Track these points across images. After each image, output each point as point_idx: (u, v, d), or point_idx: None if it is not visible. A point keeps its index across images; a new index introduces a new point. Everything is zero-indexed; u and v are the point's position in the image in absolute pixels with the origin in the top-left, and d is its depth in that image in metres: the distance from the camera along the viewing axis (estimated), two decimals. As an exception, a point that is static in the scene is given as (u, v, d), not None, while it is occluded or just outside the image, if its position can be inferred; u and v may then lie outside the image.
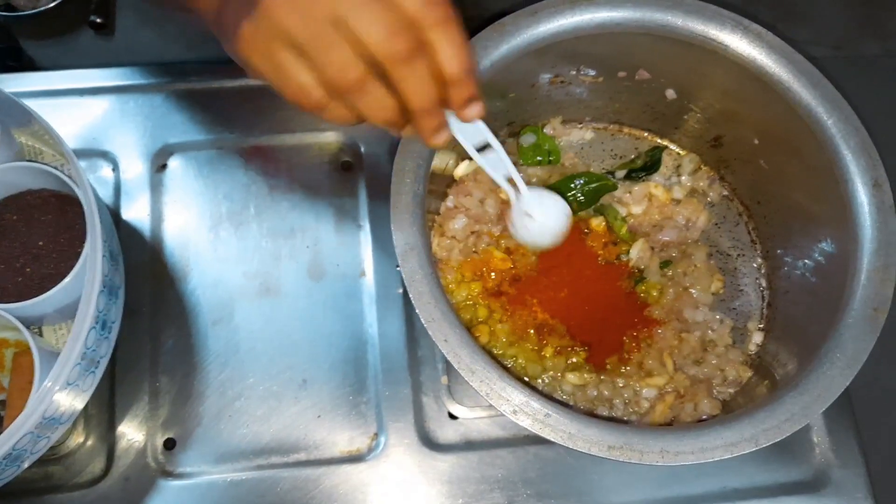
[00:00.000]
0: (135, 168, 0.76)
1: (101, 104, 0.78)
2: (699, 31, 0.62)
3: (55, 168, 0.62)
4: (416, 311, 0.53)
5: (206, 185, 0.76)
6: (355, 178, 0.77)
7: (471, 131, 0.52)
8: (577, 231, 0.70)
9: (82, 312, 0.58)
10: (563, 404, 0.59)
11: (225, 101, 0.78)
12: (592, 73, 0.68)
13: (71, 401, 0.61)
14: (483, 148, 0.54)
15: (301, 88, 0.44)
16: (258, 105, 0.78)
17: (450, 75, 0.44)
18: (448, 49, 0.43)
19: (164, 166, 0.76)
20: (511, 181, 0.57)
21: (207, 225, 0.74)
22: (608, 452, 0.50)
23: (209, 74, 0.79)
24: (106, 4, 0.94)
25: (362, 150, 0.77)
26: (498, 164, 0.55)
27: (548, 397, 0.54)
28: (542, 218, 0.60)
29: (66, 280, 0.59)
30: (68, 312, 0.65)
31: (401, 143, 0.57)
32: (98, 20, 0.92)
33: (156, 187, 0.75)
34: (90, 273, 0.59)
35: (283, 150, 0.77)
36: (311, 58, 0.42)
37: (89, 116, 0.78)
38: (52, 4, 0.94)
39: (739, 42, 0.62)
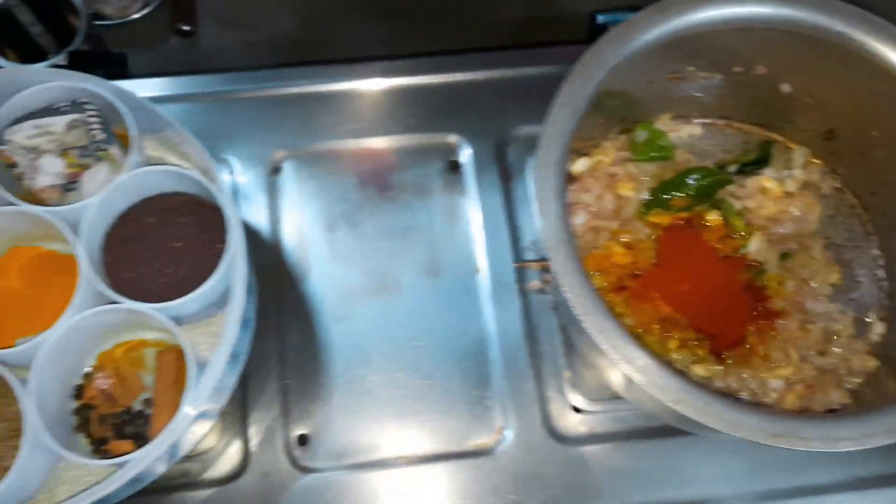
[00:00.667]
0: (250, 172, 0.77)
1: (213, 110, 0.80)
2: (825, 25, 0.63)
3: (194, 172, 0.64)
4: (570, 304, 0.54)
5: (320, 186, 0.77)
6: (464, 176, 0.78)
7: None
8: (695, 225, 0.71)
9: (232, 312, 0.60)
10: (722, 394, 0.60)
11: (333, 104, 0.80)
12: (710, 68, 0.69)
13: (217, 398, 0.62)
14: None
15: None
16: (365, 107, 0.80)
17: None
18: None
19: (278, 169, 0.78)
20: None
21: (324, 226, 0.76)
22: (772, 440, 0.51)
23: (317, 78, 0.80)
24: (191, 12, 0.96)
25: (470, 149, 0.79)
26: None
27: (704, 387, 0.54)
28: None
29: (214, 278, 0.61)
30: (205, 312, 0.66)
31: (541, 140, 0.58)
32: (185, 28, 0.94)
33: (271, 190, 0.77)
34: (236, 273, 0.61)
35: (393, 151, 0.79)
36: None
37: (201, 122, 0.79)
38: (139, 14, 0.96)
39: (864, 36, 0.63)
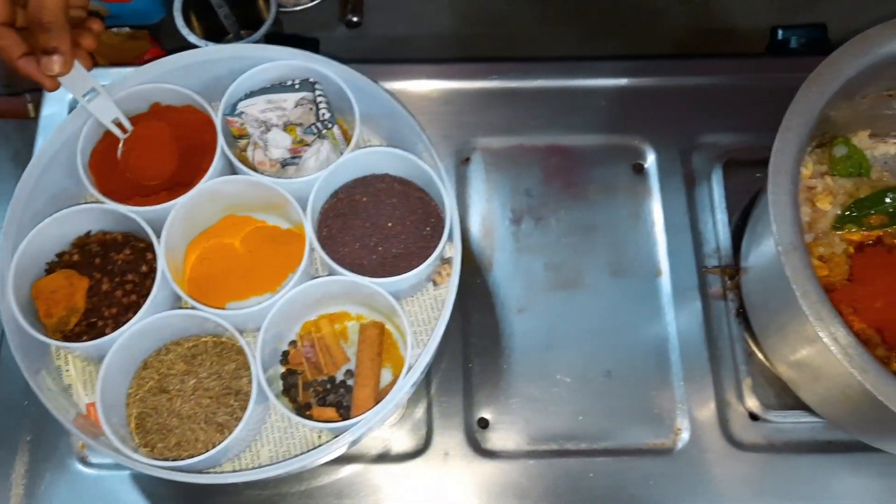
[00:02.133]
0: (442, 161, 0.79)
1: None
2: None
3: (419, 158, 0.66)
4: (804, 309, 0.55)
5: (508, 179, 0.79)
6: (647, 180, 0.79)
7: (79, 82, 0.60)
8: (888, 243, 0.71)
9: (451, 291, 0.62)
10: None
11: (523, 100, 0.81)
12: (926, 88, 0.69)
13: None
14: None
15: None
16: (556, 105, 0.81)
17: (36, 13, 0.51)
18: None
19: (467, 160, 0.80)
20: (119, 124, 0.65)
21: (509, 218, 0.78)
22: None
23: (509, 74, 0.82)
24: (359, 4, 0.99)
25: (654, 153, 0.79)
26: (105, 108, 0.64)
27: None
28: None
29: (432, 257, 0.63)
30: (411, 290, 0.68)
31: (775, 147, 0.59)
32: (353, 18, 0.97)
33: (461, 180, 0.79)
34: (455, 254, 0.63)
35: (579, 149, 0.80)
36: None
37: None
38: (311, 4, 0.99)
39: None
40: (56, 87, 0.58)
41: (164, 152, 0.68)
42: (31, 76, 0.56)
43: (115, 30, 0.91)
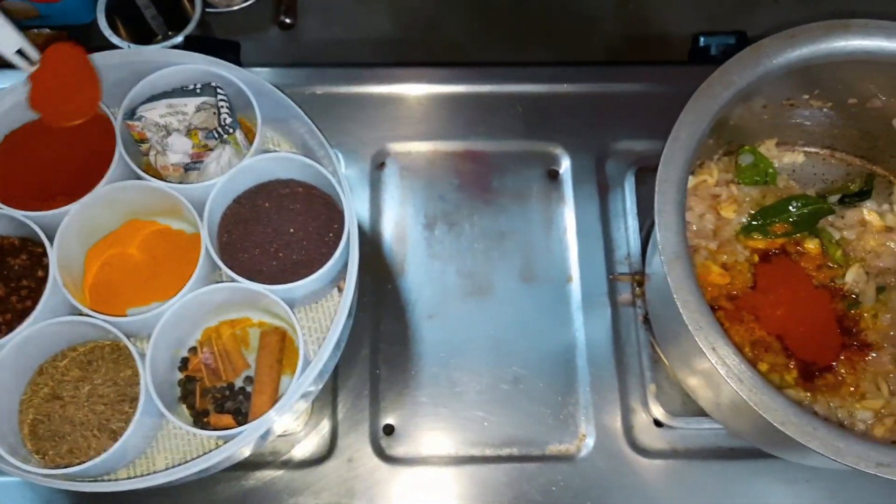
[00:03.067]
0: (356, 165, 0.79)
1: (323, 102, 0.82)
2: (952, 62, 0.63)
3: (317, 163, 0.66)
4: (684, 317, 0.55)
5: (422, 185, 0.79)
6: (562, 186, 0.79)
7: None
8: (792, 252, 0.71)
9: (346, 298, 0.62)
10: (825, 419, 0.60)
11: (440, 106, 0.81)
12: (824, 98, 0.69)
13: (318, 381, 0.64)
14: None
15: None
16: (473, 110, 0.81)
17: None
18: None
19: (382, 164, 0.80)
20: (24, 55, 0.59)
21: (423, 223, 0.78)
22: (876, 469, 0.52)
23: (427, 78, 0.82)
24: (293, 6, 0.99)
25: (569, 160, 0.80)
26: (5, 37, 0.57)
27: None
28: None
29: (329, 264, 0.63)
30: (312, 297, 0.68)
31: (664, 156, 0.60)
32: (286, 20, 0.97)
33: (375, 185, 0.79)
34: (350, 261, 0.63)
35: (495, 155, 0.80)
36: None
37: (311, 114, 0.81)
38: (244, 4, 0.99)
39: None
40: None
41: (82, 81, 0.62)
42: None
43: (35, 31, 0.90)
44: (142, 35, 0.92)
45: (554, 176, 0.80)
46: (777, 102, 0.69)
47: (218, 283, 0.64)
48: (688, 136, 0.59)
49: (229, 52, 0.89)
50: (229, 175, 0.65)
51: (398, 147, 0.80)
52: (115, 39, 0.86)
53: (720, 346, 0.54)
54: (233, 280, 0.63)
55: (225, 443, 0.60)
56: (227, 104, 0.67)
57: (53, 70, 0.61)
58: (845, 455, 0.52)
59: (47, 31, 0.90)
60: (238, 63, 0.91)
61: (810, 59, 0.63)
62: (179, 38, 0.85)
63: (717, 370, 0.54)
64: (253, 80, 0.67)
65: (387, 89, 0.82)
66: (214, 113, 0.67)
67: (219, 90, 0.68)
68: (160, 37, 0.94)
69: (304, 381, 0.60)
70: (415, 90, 0.82)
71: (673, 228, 0.57)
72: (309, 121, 0.66)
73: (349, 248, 0.64)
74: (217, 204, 0.66)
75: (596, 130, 0.81)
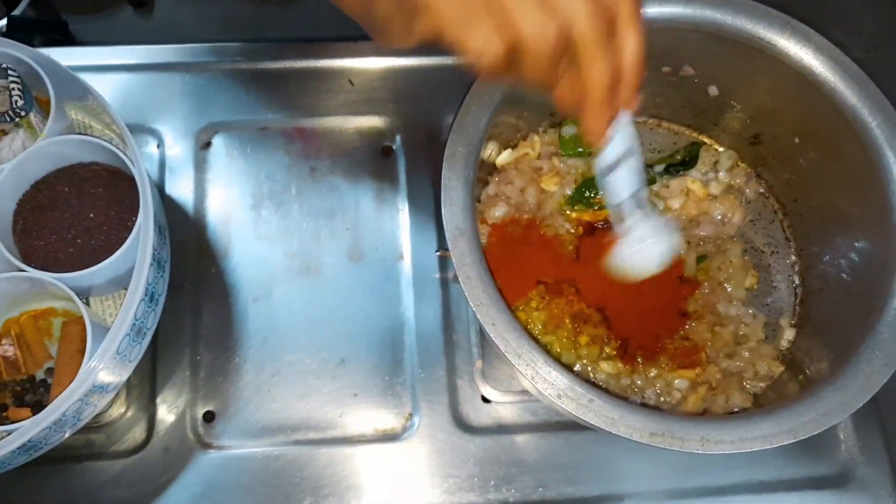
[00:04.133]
0: (179, 145, 0.77)
1: (148, 81, 0.79)
2: (748, 29, 0.63)
3: (109, 142, 0.63)
4: (465, 294, 0.54)
5: (249, 164, 0.77)
6: (394, 163, 0.78)
7: (618, 139, 0.49)
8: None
9: (134, 284, 0.60)
10: (604, 390, 0.60)
11: (269, 83, 0.79)
12: (638, 66, 0.69)
13: (119, 370, 0.62)
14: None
15: (486, 43, 0.42)
16: (301, 87, 0.79)
17: (629, 65, 0.44)
18: (634, 38, 0.44)
19: (208, 144, 0.77)
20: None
21: (249, 203, 0.76)
22: (649, 439, 0.52)
23: (254, 55, 0.80)
24: (147, -16, 0.95)
25: (402, 135, 0.78)
26: (629, 177, 0.51)
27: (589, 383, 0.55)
28: (657, 241, 0.53)
29: (120, 251, 0.61)
30: (116, 284, 0.66)
31: (453, 128, 0.58)
32: (139, -1, 0.93)
33: (199, 165, 0.76)
34: (142, 246, 0.61)
35: (325, 132, 0.78)
36: (510, 19, 0.41)
37: (135, 93, 0.79)
38: (92, -19, 0.95)
39: (787, 42, 0.63)
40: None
41: None
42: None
43: None
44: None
45: (388, 153, 0.78)
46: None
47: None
48: (478, 110, 0.58)
49: (56, 31, 0.86)
50: (18, 159, 0.62)
51: (224, 126, 0.78)
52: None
53: (500, 322, 0.54)
54: (19, 269, 0.60)
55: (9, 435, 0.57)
56: (20, 85, 0.64)
57: None
58: (619, 426, 0.52)
59: None
60: (68, 42, 0.88)
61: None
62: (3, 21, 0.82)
63: (497, 346, 0.54)
64: (45, 60, 0.64)
65: (213, 66, 0.79)
66: (9, 96, 0.64)
67: (10, 70, 0.64)
68: (-4, 17, 0.90)
69: (94, 370, 0.58)
70: (241, 66, 0.79)
71: (458, 204, 0.56)
72: (103, 99, 0.63)
73: (147, 231, 0.61)
74: (9, 189, 0.63)
75: (429, 105, 0.79)
